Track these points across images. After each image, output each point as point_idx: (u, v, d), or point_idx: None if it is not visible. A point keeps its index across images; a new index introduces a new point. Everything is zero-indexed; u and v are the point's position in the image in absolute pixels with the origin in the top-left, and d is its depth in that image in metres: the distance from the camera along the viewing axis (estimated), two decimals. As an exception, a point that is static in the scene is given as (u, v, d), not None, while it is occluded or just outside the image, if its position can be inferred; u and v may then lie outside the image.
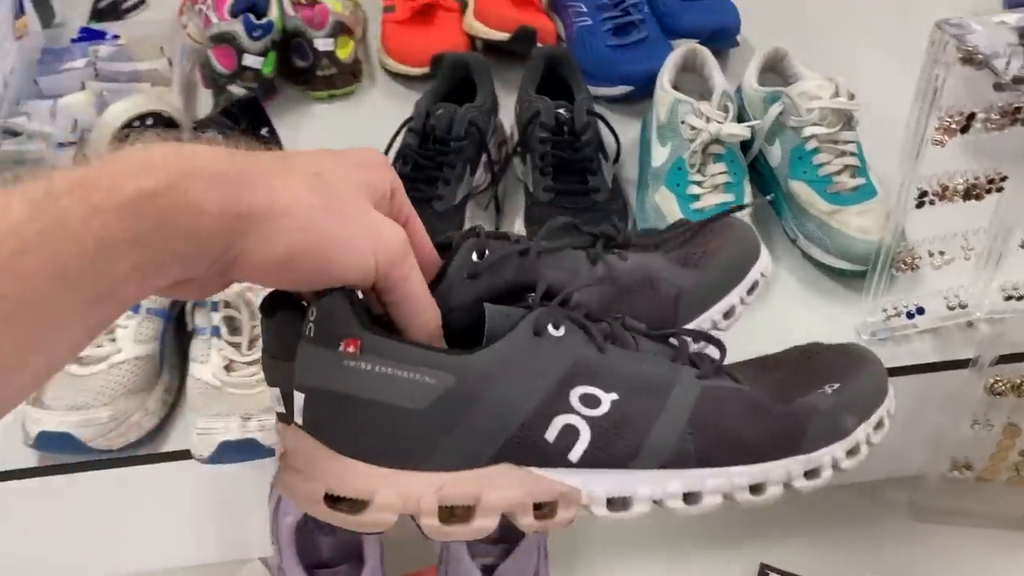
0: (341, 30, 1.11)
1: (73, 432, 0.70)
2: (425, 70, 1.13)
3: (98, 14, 1.30)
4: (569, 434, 0.42)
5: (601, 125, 0.97)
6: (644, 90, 1.07)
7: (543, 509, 0.42)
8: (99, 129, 0.88)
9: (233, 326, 0.76)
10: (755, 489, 0.45)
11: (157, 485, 0.78)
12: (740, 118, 0.96)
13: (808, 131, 0.91)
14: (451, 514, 0.41)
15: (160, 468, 0.76)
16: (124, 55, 1.12)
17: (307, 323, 0.41)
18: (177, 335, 0.81)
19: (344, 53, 1.12)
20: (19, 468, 0.74)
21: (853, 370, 0.50)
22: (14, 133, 0.99)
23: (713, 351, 0.49)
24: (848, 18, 1.27)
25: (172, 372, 0.79)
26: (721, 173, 0.90)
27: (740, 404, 0.45)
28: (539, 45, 1.11)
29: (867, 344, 0.85)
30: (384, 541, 0.76)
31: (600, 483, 0.42)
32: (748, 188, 0.92)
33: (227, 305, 0.76)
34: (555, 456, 0.42)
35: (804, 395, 0.47)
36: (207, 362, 0.74)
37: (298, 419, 0.41)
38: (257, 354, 0.74)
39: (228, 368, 0.74)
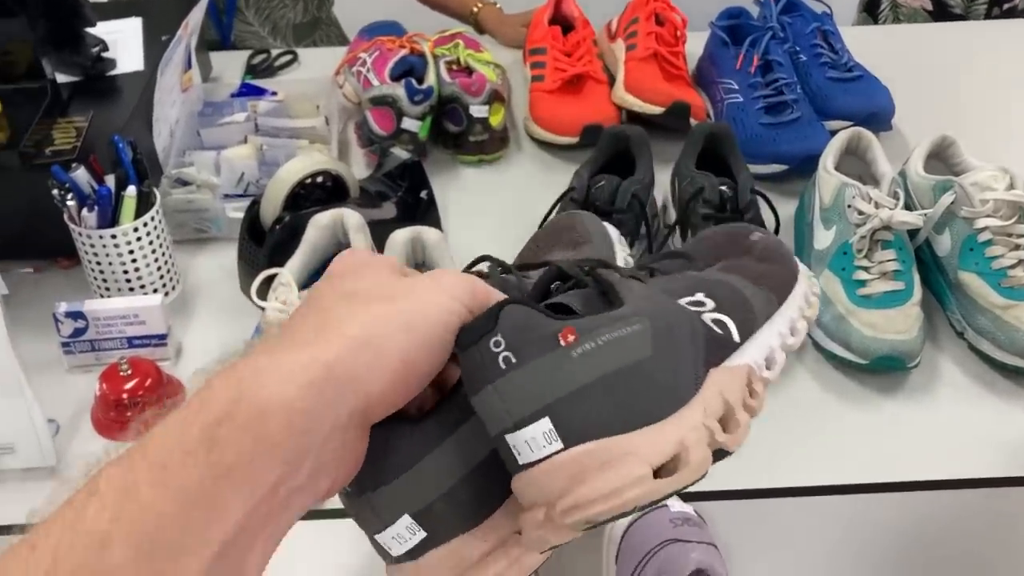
0: (495, 98, 1.13)
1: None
2: (573, 139, 1.15)
3: (251, 70, 1.34)
4: (719, 325, 0.44)
5: (761, 202, 0.96)
6: (798, 170, 1.07)
7: (750, 393, 0.44)
8: (276, 184, 0.90)
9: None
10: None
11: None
12: (906, 206, 0.94)
13: (981, 223, 0.89)
14: (722, 423, 0.41)
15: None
16: (283, 111, 1.15)
17: (493, 364, 0.37)
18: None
19: (496, 120, 1.13)
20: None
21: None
22: (183, 183, 1.02)
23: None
24: (1006, 104, 1.25)
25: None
26: (890, 260, 0.88)
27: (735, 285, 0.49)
28: (692, 121, 1.11)
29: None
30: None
31: (753, 351, 0.45)
32: (917, 278, 0.90)
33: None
34: (728, 344, 0.44)
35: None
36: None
37: (553, 447, 0.37)
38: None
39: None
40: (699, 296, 0.45)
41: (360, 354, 0.36)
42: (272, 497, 0.34)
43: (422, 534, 0.39)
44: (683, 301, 0.44)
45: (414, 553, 0.40)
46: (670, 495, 0.38)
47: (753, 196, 0.94)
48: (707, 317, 0.44)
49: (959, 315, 0.90)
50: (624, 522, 0.74)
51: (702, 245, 0.56)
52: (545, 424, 0.36)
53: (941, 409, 0.85)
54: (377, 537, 0.40)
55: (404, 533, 0.40)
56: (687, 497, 0.77)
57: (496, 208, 1.09)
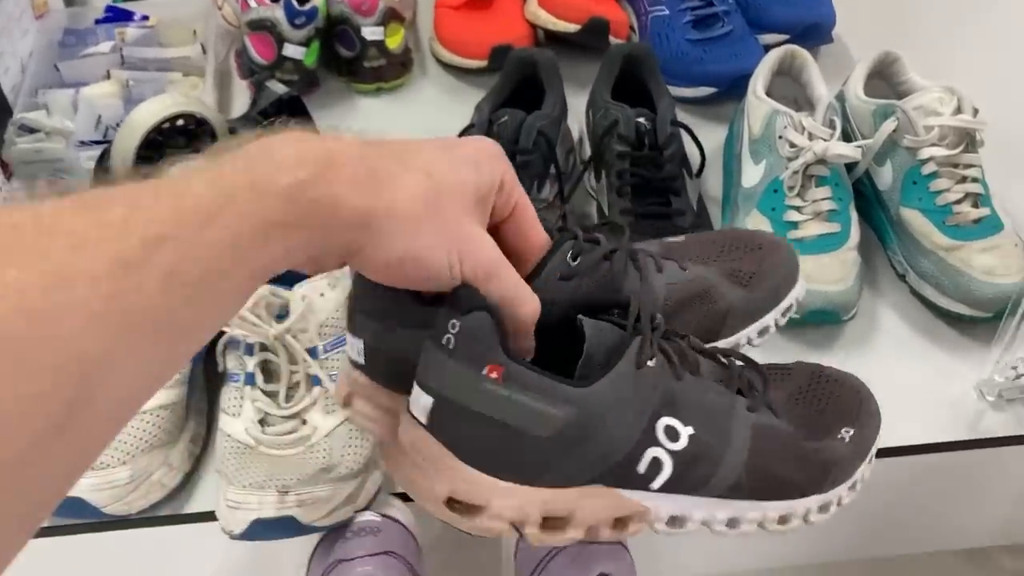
0: (391, 17, 1.00)
1: (86, 497, 0.62)
2: (483, 63, 1.03)
3: (126, -11, 1.19)
4: (655, 466, 0.46)
5: (684, 135, 0.86)
6: (729, 93, 0.96)
7: (620, 524, 0.47)
8: (125, 132, 0.78)
9: (269, 371, 0.67)
10: (782, 520, 0.50)
11: (180, 549, 0.69)
12: (844, 133, 0.85)
13: (926, 152, 0.79)
14: (549, 525, 0.45)
15: (183, 530, 0.67)
16: (153, 39, 1.02)
17: (444, 333, 0.42)
18: (206, 376, 0.72)
19: (394, 42, 1.01)
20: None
21: (860, 411, 0.54)
22: (31, 130, 0.90)
23: (755, 378, 0.51)
24: (958, 15, 1.14)
25: (199, 419, 0.70)
26: (825, 199, 0.79)
27: (785, 446, 0.50)
28: (612, 39, 1.00)
29: (991, 406, 0.74)
30: None
31: (668, 506, 0.47)
32: (854, 217, 0.80)
33: (263, 348, 0.66)
34: (640, 483, 0.46)
35: (827, 437, 0.51)
36: (239, 415, 0.65)
37: (421, 417, 0.43)
38: (296, 407, 0.65)
39: (263, 422, 0.65)
40: (679, 426, 0.46)
41: (391, 215, 0.39)
42: None
43: (362, 362, 0.49)
44: (660, 422, 0.45)
45: (357, 366, 0.50)
46: (449, 523, 0.45)
47: (675, 129, 0.83)
48: (654, 452, 0.46)
49: (900, 256, 0.82)
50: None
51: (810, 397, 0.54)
52: (429, 403, 0.43)
53: (879, 365, 0.77)
54: (347, 337, 0.50)
55: (357, 350, 0.49)
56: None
57: (396, 143, 0.98)
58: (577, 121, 0.93)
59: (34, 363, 0.27)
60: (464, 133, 0.84)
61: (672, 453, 0.46)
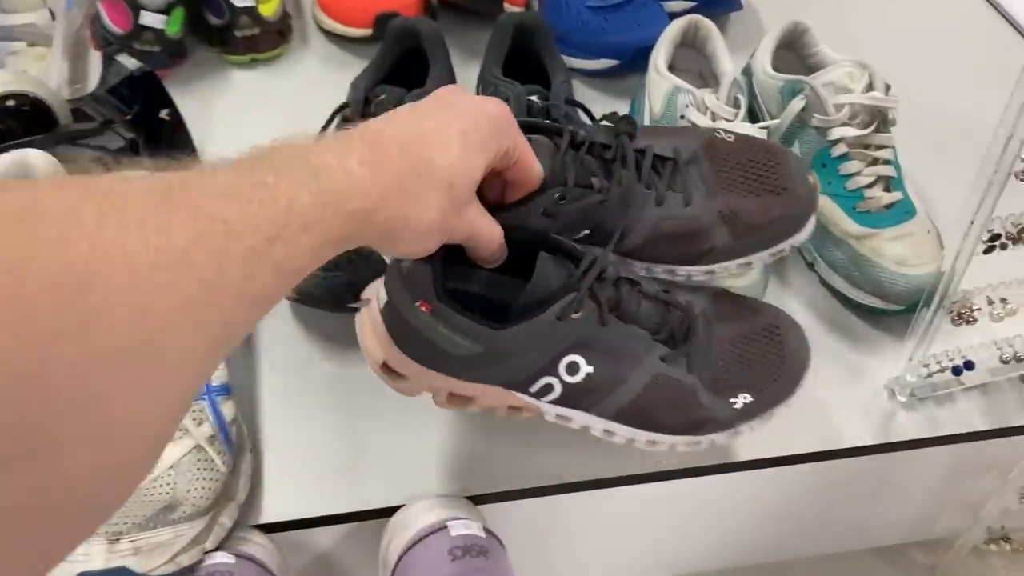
0: (264, -20, 0.90)
1: None
2: (368, 31, 0.94)
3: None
4: (546, 389, 0.54)
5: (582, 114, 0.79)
6: (632, 64, 0.90)
7: (513, 410, 0.57)
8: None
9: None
10: (650, 443, 0.57)
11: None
12: (751, 111, 0.79)
13: (836, 133, 0.74)
14: (455, 400, 0.56)
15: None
16: (-5, 4, 0.91)
17: (404, 263, 0.52)
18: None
19: (268, 9, 0.92)
20: None
21: (773, 382, 0.58)
22: None
23: (687, 329, 0.57)
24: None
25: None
26: (728, 184, 0.73)
27: (673, 398, 0.55)
28: (506, 6, 0.92)
29: (903, 406, 0.70)
30: None
31: (555, 410, 0.55)
32: (761, 202, 0.75)
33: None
34: (533, 396, 0.55)
35: (721, 397, 0.56)
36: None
37: (379, 304, 0.54)
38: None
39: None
40: (583, 364, 0.53)
41: (406, 231, 0.45)
42: None
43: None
44: (565, 359, 0.53)
45: None
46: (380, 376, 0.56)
47: (571, 109, 0.76)
48: (548, 379, 0.54)
49: (809, 243, 0.76)
50: (401, 545, 0.59)
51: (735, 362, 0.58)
52: (385, 299, 0.53)
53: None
54: None
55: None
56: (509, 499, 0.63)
57: (272, 116, 0.89)
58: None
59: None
60: (338, 112, 0.76)
61: (565, 384, 0.54)
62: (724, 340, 0.58)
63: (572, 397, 0.54)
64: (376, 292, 0.55)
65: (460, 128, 0.46)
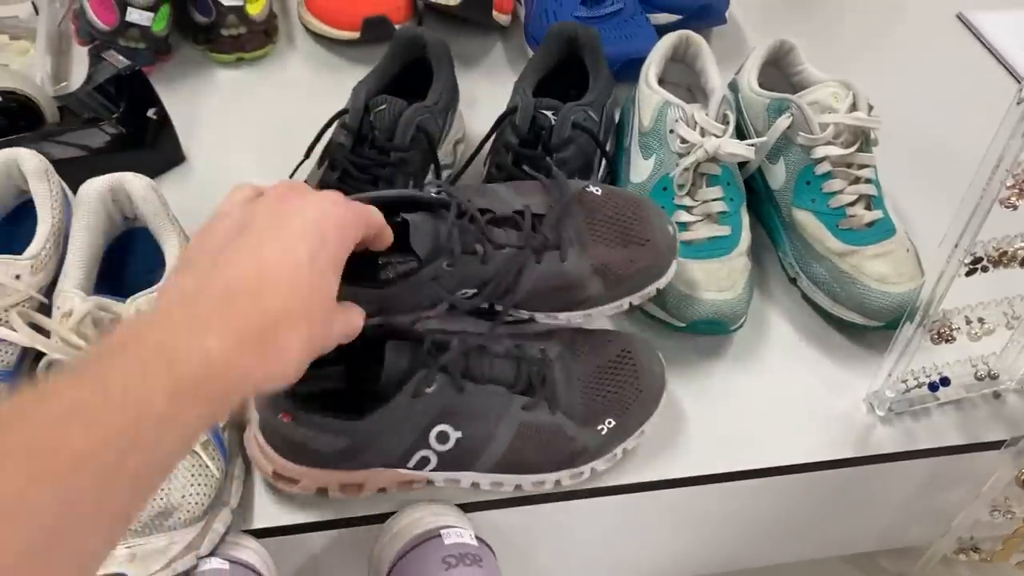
0: (252, -20, 0.90)
1: None
2: (354, 35, 0.94)
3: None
4: (423, 462, 0.59)
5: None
6: (618, 77, 0.90)
7: (404, 485, 0.61)
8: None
9: None
10: (537, 485, 0.62)
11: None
12: (738, 127, 0.80)
13: (820, 152, 0.75)
14: (347, 489, 0.60)
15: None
16: (-24, -5, 0.89)
17: None
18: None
19: (255, 8, 0.91)
20: None
21: (634, 402, 0.63)
22: None
23: (544, 377, 0.61)
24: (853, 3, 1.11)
25: None
26: (716, 199, 0.74)
27: (542, 439, 0.60)
28: (496, 13, 0.93)
29: (880, 420, 0.71)
30: None
31: (442, 475, 0.61)
32: (746, 219, 0.76)
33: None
34: (414, 469, 0.59)
35: (587, 426, 0.61)
36: None
37: (255, 425, 0.60)
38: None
39: None
40: (451, 431, 0.59)
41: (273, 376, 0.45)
42: None
43: None
44: (434, 430, 0.58)
45: None
46: (276, 484, 0.61)
47: (576, 133, 0.75)
48: (423, 452, 0.59)
49: (792, 259, 0.78)
50: (393, 552, 0.60)
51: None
52: (258, 419, 0.60)
53: (768, 374, 0.73)
54: None
55: None
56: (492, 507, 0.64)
57: (258, 116, 0.89)
58: (472, 110, 0.86)
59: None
60: (337, 118, 0.75)
61: (438, 453, 0.58)
62: (584, 375, 0.63)
63: (450, 462, 0.59)
64: (252, 411, 0.60)
65: (308, 251, 0.44)
